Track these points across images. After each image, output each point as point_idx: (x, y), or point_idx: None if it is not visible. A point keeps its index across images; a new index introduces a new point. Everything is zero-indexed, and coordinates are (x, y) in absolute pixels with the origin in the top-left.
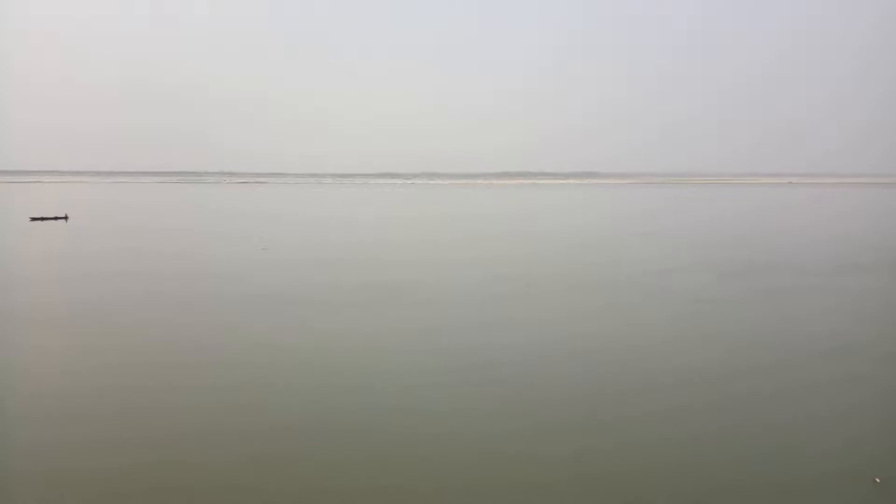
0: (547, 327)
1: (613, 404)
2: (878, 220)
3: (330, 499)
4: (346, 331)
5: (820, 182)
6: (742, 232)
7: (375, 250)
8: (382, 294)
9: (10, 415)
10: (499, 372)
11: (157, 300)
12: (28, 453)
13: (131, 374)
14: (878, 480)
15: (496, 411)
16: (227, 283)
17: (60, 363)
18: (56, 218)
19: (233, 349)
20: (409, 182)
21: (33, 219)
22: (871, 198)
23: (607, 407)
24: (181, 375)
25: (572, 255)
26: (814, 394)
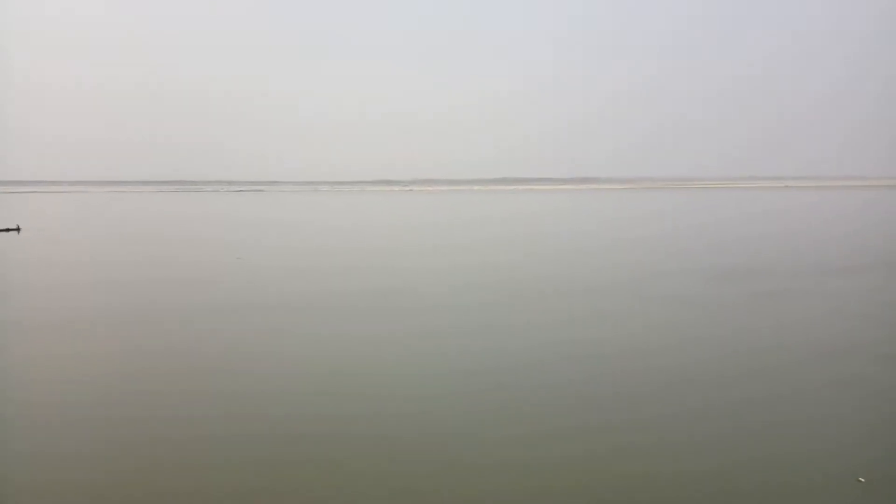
0: (542, 333)
1: (608, 410)
2: (867, 223)
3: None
4: (342, 338)
5: (811, 185)
6: (735, 236)
7: (373, 257)
8: (380, 301)
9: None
10: (495, 378)
11: (151, 309)
12: (22, 461)
13: (123, 381)
14: (861, 480)
15: (490, 418)
16: (223, 291)
17: (58, 370)
18: (8, 230)
19: (227, 357)
20: (407, 189)
21: None
22: (861, 200)
23: (602, 412)
24: (175, 384)
25: (568, 261)
26: (807, 397)
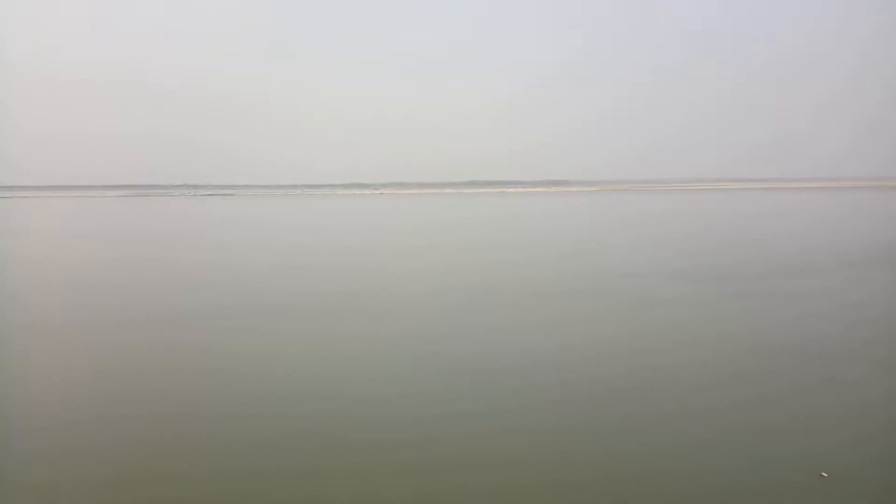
0: (513, 335)
1: (584, 411)
2: (841, 224)
3: None
4: (313, 341)
5: (787, 187)
6: (710, 238)
7: (345, 260)
8: (353, 304)
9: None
10: (468, 380)
11: (116, 314)
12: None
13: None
14: (825, 475)
15: (462, 419)
16: (189, 296)
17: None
18: None
19: (193, 361)
20: (378, 192)
21: None
22: (834, 202)
23: (578, 414)
24: (138, 386)
25: (540, 264)
26: (781, 398)
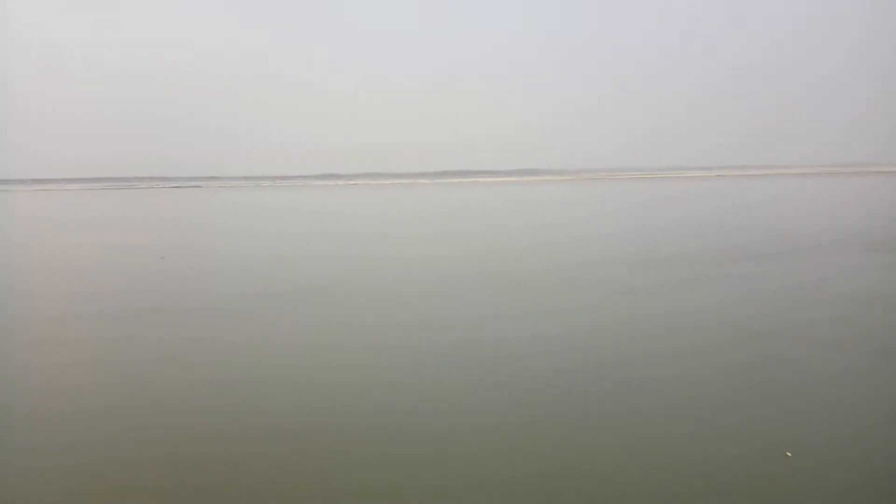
0: (486, 326)
1: (550, 400)
2: (785, 211)
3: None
4: (281, 332)
5: (715, 175)
6: (660, 224)
7: (317, 251)
8: (322, 294)
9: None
10: (433, 372)
11: (76, 312)
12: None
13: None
14: (789, 454)
15: (418, 411)
16: (155, 293)
17: None
18: None
19: (204, 353)
20: (351, 182)
21: None
22: (780, 189)
23: (537, 402)
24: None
25: (512, 253)
26: (734, 377)
